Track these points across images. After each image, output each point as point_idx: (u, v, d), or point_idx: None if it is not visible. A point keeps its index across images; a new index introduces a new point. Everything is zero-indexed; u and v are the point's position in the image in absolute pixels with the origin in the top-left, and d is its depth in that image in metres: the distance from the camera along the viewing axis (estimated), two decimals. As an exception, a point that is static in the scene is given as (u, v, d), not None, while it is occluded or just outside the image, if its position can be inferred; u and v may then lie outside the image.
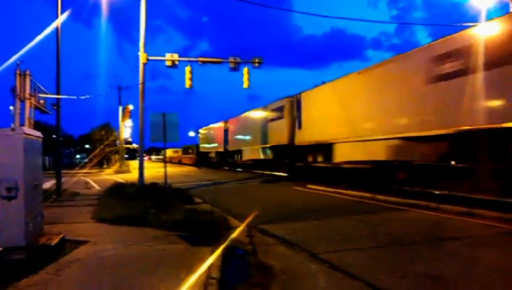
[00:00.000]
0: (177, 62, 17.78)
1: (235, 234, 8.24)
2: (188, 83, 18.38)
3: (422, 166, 13.70)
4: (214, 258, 6.05)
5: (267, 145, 27.97)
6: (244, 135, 34.00)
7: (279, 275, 5.69)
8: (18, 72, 13.31)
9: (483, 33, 11.53)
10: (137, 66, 16.71)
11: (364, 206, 12.40)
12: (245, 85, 19.41)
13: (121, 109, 43.44)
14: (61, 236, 6.80)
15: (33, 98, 14.06)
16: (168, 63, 17.62)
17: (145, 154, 19.39)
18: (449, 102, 12.45)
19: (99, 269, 5.60)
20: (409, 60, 14.55)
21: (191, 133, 60.69)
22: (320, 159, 20.82)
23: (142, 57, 16.43)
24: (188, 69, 18.27)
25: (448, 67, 12.50)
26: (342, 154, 18.51)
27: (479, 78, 11.43)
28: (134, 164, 47.07)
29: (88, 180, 25.06)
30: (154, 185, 15.49)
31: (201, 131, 53.63)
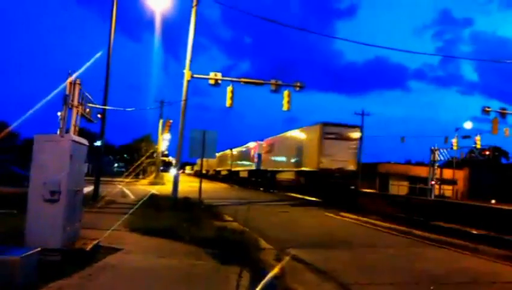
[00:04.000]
0: (219, 81, 18.15)
1: (264, 256, 8.18)
2: (229, 102, 18.70)
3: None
4: (242, 279, 6.03)
5: (248, 169, 44.54)
6: (238, 161, 50.81)
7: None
8: (69, 81, 13.90)
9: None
10: (180, 82, 17.17)
11: (398, 239, 12.04)
12: (285, 108, 19.54)
13: (161, 122, 44.51)
14: (95, 242, 6.97)
15: (80, 107, 14.63)
16: (211, 82, 18.01)
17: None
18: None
19: (130, 278, 5.70)
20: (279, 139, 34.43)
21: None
22: (268, 176, 36.35)
23: (186, 74, 16.87)
24: (230, 88, 18.61)
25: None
26: (278, 177, 33.58)
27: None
28: (167, 176, 47.85)
29: (124, 189, 25.63)
30: (186, 200, 15.68)
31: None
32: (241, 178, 47.79)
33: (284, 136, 32.77)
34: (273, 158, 35.07)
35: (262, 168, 37.63)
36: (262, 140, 41.65)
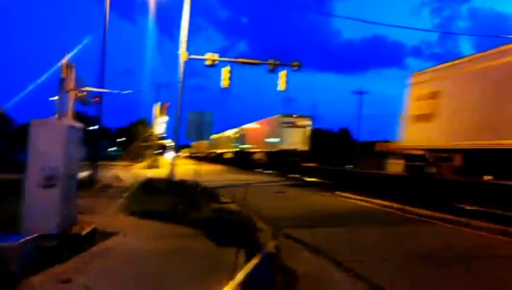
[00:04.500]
0: (216, 62, 17.99)
1: (261, 236, 8.25)
2: (225, 83, 18.59)
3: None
4: (238, 259, 6.09)
5: (232, 150, 49.66)
6: (225, 143, 55.28)
7: (303, 281, 5.66)
8: (64, 64, 13.73)
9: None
10: (176, 64, 17.01)
11: (393, 216, 12.15)
12: (281, 87, 19.46)
13: (158, 105, 44.23)
14: (92, 227, 6.99)
15: (76, 90, 14.49)
16: (208, 62, 17.86)
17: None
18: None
19: (127, 261, 5.75)
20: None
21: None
22: (249, 157, 42.21)
23: (182, 55, 16.67)
24: (226, 69, 18.46)
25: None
26: (254, 157, 39.98)
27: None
28: (164, 159, 47.99)
29: (120, 173, 25.66)
30: (183, 182, 15.72)
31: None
32: (227, 159, 54.14)
33: (257, 123, 40.83)
34: (250, 141, 42.58)
35: (243, 150, 44.65)
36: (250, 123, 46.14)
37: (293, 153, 32.02)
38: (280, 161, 32.57)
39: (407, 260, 6.99)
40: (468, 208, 12.61)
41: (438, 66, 15.80)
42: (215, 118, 15.67)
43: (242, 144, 45.01)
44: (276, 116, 33.71)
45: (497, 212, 11.47)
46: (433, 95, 14.88)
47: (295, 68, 19.60)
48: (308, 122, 33.27)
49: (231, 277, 5.22)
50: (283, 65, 19.48)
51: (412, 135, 16.17)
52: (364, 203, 14.57)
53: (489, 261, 7.16)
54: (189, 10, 16.85)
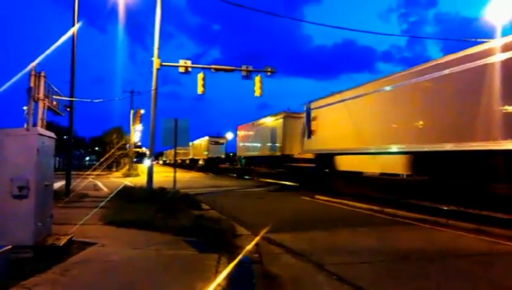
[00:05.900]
0: (190, 69, 17.92)
1: (242, 242, 8.21)
2: (200, 90, 18.52)
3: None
4: (220, 266, 6.03)
5: (189, 158, 67.06)
6: (182, 153, 72.03)
7: (286, 285, 5.65)
8: (33, 73, 13.44)
9: None
10: (150, 71, 16.88)
11: (372, 219, 12.29)
12: (257, 93, 19.51)
13: (132, 113, 43.75)
14: (69, 237, 6.82)
15: (47, 100, 14.18)
16: (181, 70, 17.76)
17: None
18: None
19: (105, 271, 5.61)
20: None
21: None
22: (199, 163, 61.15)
23: (155, 62, 16.55)
24: (200, 76, 18.40)
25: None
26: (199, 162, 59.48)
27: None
28: (142, 167, 47.51)
29: (97, 182, 25.20)
30: (162, 190, 15.54)
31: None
32: (187, 164, 70.86)
33: (197, 142, 60.23)
34: (196, 152, 62.46)
35: (194, 158, 63.63)
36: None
37: (217, 159, 53.02)
38: (210, 164, 52.07)
39: (389, 261, 7.07)
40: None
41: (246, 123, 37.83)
42: (191, 124, 15.69)
43: (192, 154, 65.17)
44: (206, 137, 54.95)
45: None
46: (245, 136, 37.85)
47: (269, 74, 19.69)
48: (225, 140, 54.85)
49: (213, 283, 5.16)
50: (257, 71, 19.54)
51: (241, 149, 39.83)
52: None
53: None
54: (161, 17, 16.77)
